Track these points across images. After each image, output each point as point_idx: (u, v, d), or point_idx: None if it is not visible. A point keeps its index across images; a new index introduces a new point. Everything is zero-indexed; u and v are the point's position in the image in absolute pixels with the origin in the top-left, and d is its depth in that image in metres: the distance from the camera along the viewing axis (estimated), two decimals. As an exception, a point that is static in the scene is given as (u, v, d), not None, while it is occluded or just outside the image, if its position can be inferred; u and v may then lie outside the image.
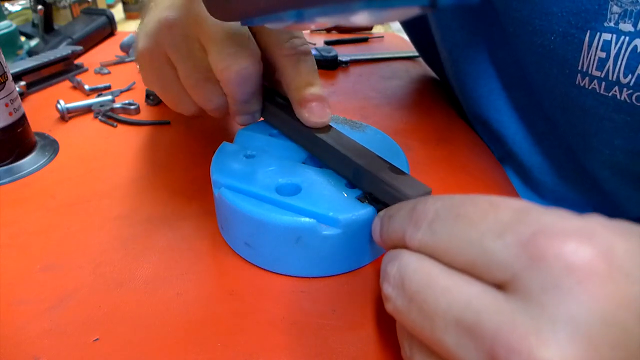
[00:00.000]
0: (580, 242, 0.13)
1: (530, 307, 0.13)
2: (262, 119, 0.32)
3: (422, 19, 0.46)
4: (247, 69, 0.26)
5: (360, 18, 0.15)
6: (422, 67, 0.59)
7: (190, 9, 0.26)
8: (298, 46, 0.28)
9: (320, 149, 0.27)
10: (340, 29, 0.77)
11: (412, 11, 0.15)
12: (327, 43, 0.68)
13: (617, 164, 0.31)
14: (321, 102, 0.27)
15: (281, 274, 0.25)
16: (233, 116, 0.30)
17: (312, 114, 0.27)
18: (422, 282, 0.15)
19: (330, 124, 0.28)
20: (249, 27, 0.27)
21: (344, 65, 0.58)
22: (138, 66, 0.31)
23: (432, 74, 0.56)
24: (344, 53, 0.61)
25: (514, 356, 0.12)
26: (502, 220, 0.14)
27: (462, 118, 0.45)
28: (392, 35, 0.78)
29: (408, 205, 0.18)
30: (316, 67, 0.29)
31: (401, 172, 0.23)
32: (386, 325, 0.22)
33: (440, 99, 0.49)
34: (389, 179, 0.22)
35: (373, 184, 0.23)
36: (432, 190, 0.22)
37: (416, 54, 0.61)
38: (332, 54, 0.57)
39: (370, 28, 0.80)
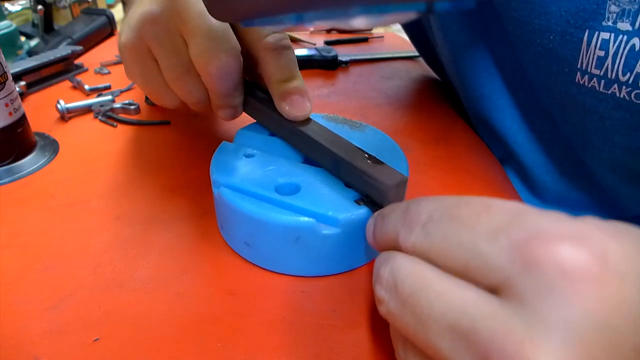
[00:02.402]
0: (574, 245, 0.13)
1: (524, 311, 0.12)
2: (243, 113, 0.32)
3: (423, 19, 0.46)
4: (228, 63, 0.27)
5: (358, 22, 0.15)
6: (422, 67, 0.59)
7: (174, 4, 0.27)
8: (278, 40, 0.28)
9: (300, 141, 0.27)
10: (340, 29, 0.77)
11: (410, 15, 0.15)
12: (327, 43, 0.68)
13: (616, 161, 0.31)
14: (301, 95, 0.28)
15: (281, 274, 0.25)
16: (215, 110, 0.30)
17: (293, 107, 0.28)
18: (415, 285, 0.15)
19: (330, 123, 0.28)
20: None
21: (344, 65, 0.58)
22: (121, 59, 0.31)
23: (433, 73, 0.56)
24: (344, 53, 0.61)
25: None
26: (496, 223, 0.14)
27: (463, 118, 0.45)
28: (392, 35, 0.77)
29: (402, 206, 0.18)
30: (296, 61, 0.29)
31: (379, 162, 0.24)
32: (386, 325, 0.22)
33: (441, 99, 0.49)
34: (365, 168, 0.23)
35: (351, 174, 0.24)
36: (407, 178, 0.22)
37: (416, 54, 0.61)
38: (332, 54, 0.57)
39: (370, 28, 0.80)
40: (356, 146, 0.25)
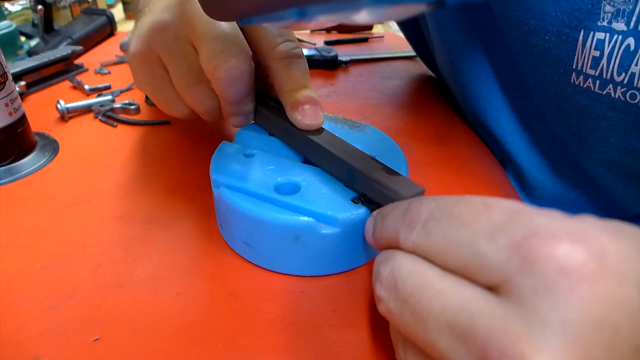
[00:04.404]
0: (573, 244, 0.13)
1: (522, 310, 0.12)
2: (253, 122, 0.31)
3: (420, 20, 0.46)
4: (238, 67, 0.26)
5: (363, 16, 0.14)
6: (422, 67, 0.59)
7: (183, 11, 0.26)
8: (290, 49, 0.28)
9: (313, 151, 0.27)
10: (340, 29, 0.77)
11: (418, 8, 0.14)
12: (327, 43, 0.68)
13: (612, 161, 0.31)
14: (314, 105, 0.27)
15: (281, 273, 0.25)
16: (226, 118, 0.30)
17: (305, 117, 0.27)
18: (416, 284, 0.15)
19: (330, 123, 0.28)
20: (241, 30, 0.27)
21: (344, 65, 0.58)
22: (130, 69, 0.31)
23: (432, 73, 0.56)
24: (344, 53, 0.61)
25: None
26: (495, 222, 0.14)
27: (462, 118, 0.45)
28: (392, 35, 0.77)
29: (402, 206, 0.18)
30: (308, 70, 0.29)
31: (394, 173, 0.23)
32: (386, 325, 0.22)
33: (441, 98, 0.49)
34: (382, 180, 0.22)
35: (367, 185, 0.23)
36: (425, 189, 0.22)
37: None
38: (332, 54, 0.57)
39: (371, 28, 0.80)
40: (370, 156, 0.25)
